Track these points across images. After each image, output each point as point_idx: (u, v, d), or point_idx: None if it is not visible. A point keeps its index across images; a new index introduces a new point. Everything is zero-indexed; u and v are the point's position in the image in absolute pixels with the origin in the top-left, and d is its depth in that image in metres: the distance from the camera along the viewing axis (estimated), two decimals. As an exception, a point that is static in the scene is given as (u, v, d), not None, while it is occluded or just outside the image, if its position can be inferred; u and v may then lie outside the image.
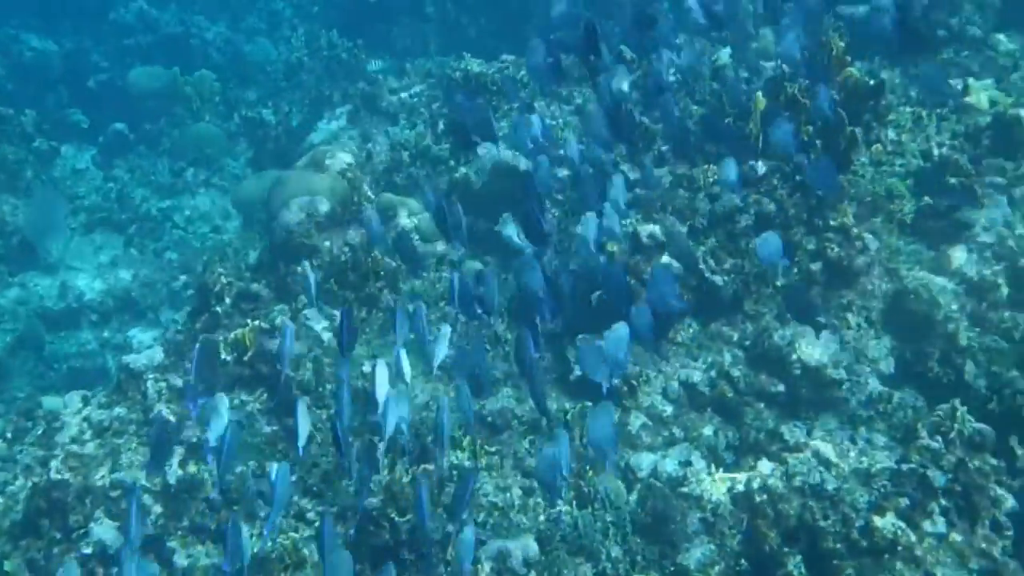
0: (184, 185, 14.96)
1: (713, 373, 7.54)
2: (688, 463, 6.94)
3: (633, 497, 6.93)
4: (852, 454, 6.73)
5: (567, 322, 8.31)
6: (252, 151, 15.54)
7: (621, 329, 6.33)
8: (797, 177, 7.72)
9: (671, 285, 6.61)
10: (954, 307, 7.54)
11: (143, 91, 17.43)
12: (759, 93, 8.04)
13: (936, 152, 8.33)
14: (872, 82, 8.21)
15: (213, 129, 16.11)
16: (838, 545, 5.87)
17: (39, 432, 7.62)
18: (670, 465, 6.97)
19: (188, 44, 20.53)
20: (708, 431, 7.35)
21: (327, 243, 8.01)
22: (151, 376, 7.81)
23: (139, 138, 16.72)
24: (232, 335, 7.62)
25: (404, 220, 8.77)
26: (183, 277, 12.64)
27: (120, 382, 7.85)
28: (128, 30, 21.25)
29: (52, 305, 12.35)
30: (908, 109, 9.04)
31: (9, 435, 7.90)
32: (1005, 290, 7.64)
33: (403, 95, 12.81)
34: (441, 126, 10.33)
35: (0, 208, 13.09)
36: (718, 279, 7.57)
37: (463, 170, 9.54)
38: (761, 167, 7.84)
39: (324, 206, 8.10)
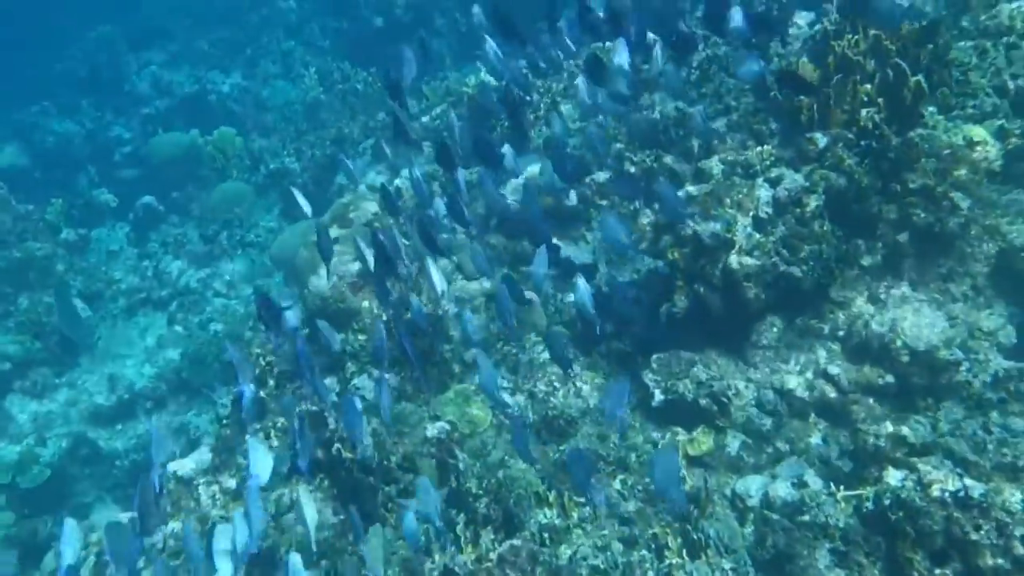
0: (220, 250, 14.52)
1: (809, 374, 6.76)
2: (803, 483, 6.15)
3: (747, 530, 6.22)
4: (990, 447, 5.88)
5: (639, 339, 7.64)
6: (283, 203, 15.07)
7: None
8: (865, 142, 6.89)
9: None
10: (1074, 254, 6.65)
11: (165, 159, 17.14)
12: (803, 59, 7.24)
13: (1012, 84, 7.42)
14: (923, 23, 7.37)
15: (241, 186, 15.66)
16: (999, 560, 5.08)
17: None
18: (783, 488, 6.19)
19: (206, 101, 20.25)
20: (815, 439, 6.59)
21: (365, 303, 7.38)
22: (202, 481, 7.27)
23: (169, 208, 16.42)
24: (281, 421, 7.04)
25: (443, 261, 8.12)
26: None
27: (169, 493, 7.31)
28: (145, 98, 21.12)
29: (104, 401, 11.96)
30: (968, 43, 8.09)
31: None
32: None
33: (424, 119, 12.13)
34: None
35: (35, 309, 12.73)
36: (795, 270, 6.77)
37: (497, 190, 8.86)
38: (822, 139, 7.02)
39: (354, 265, 7.48)
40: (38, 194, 16.45)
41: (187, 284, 13.83)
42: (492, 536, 6.48)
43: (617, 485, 6.75)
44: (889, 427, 6.11)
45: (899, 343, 6.41)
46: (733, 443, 6.75)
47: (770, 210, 6.90)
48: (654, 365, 7.11)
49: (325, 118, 16.17)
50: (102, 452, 11.50)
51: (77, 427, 11.50)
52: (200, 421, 11.06)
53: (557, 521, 6.52)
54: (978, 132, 7.05)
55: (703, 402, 6.80)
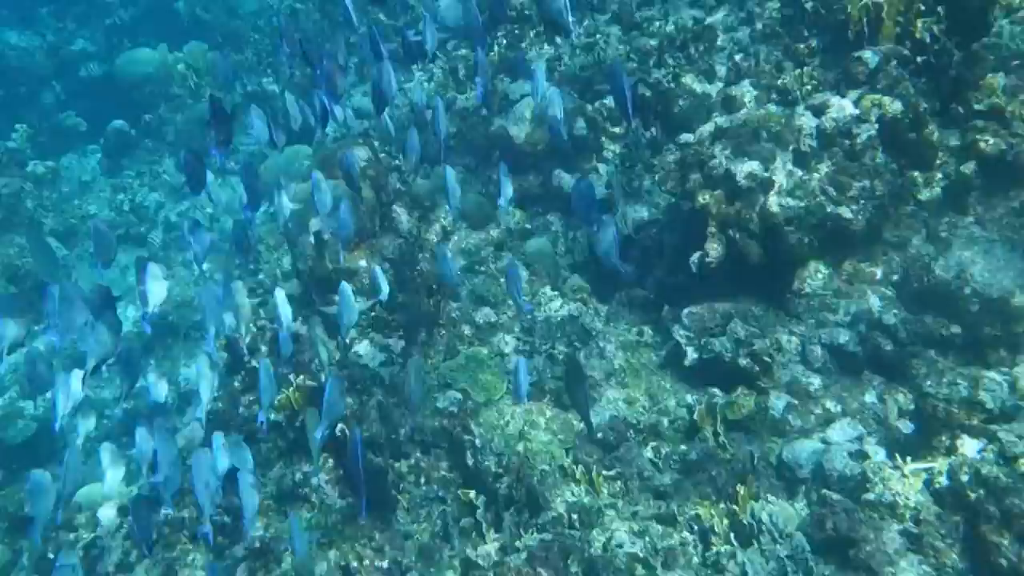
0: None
1: (862, 326, 6.06)
2: (862, 453, 5.51)
3: (799, 505, 5.61)
4: (1086, 410, 5.21)
5: (663, 285, 6.93)
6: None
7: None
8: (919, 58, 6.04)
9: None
10: None
11: (134, 79, 15.99)
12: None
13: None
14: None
15: (213, 106, 14.59)
16: (1103, 543, 4.49)
17: (79, 556, 6.49)
18: (839, 459, 5.54)
19: (172, 8, 18.91)
20: (870, 398, 5.93)
21: (362, 262, 6.61)
22: (194, 459, 6.62)
23: (141, 132, 15.34)
24: (277, 399, 6.35)
25: (445, 208, 7.33)
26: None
27: (162, 472, 6.67)
28: (107, 6, 19.77)
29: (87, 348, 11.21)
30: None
31: (51, 555, 6.83)
32: None
33: (411, 33, 11.00)
34: (462, 70, 8.74)
35: (6, 251, 11.88)
36: (844, 210, 6.00)
37: (499, 121, 8.01)
38: (872, 57, 6.16)
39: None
40: (2, 114, 15.47)
41: (167, 218, 12.95)
42: (516, 518, 5.90)
43: (649, 454, 6.13)
44: (961, 389, 5.43)
45: (967, 289, 5.69)
46: (777, 404, 6.09)
47: (814, 143, 6.08)
48: (685, 320, 6.40)
49: (303, 29, 15.04)
50: (90, 401, 10.82)
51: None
52: (190, 373, 10.33)
53: (586, 499, 5.92)
54: (1051, 38, 6.18)
55: (743, 362, 6.12)
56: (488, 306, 6.88)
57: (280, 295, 5.84)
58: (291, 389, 6.35)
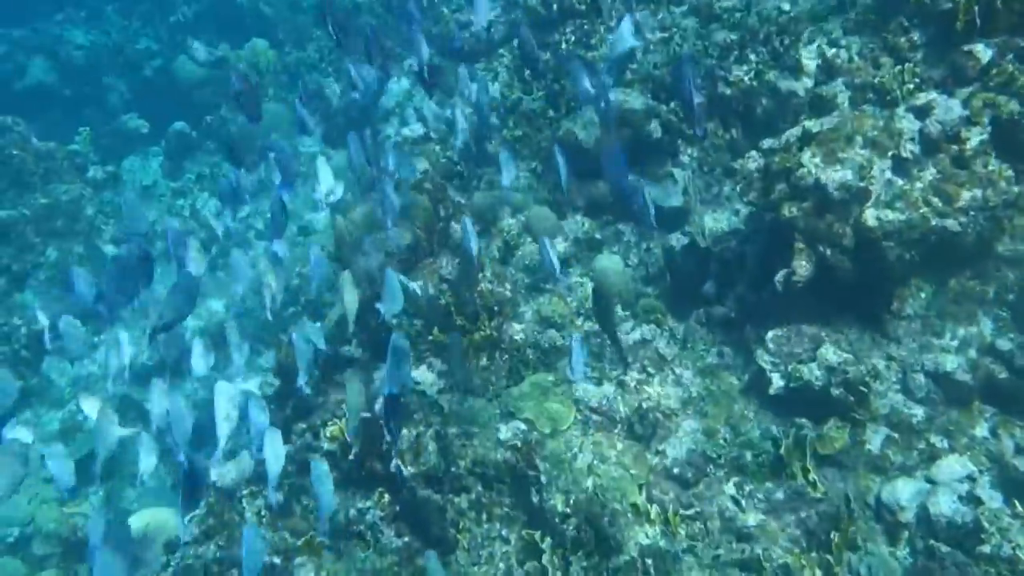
0: (259, 184, 13.32)
1: (972, 351, 5.43)
2: (974, 496, 4.90)
3: (902, 554, 5.02)
4: None
5: (745, 302, 6.35)
6: (326, 123, 13.76)
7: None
8: None
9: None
10: None
11: (194, 81, 15.84)
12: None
13: None
14: None
15: (277, 108, 14.32)
16: None
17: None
18: (947, 502, 4.95)
19: (235, 4, 18.71)
20: (982, 432, 5.31)
21: (418, 282, 6.16)
22: (245, 492, 6.27)
23: (202, 134, 15.15)
24: (329, 430, 5.95)
25: (508, 221, 6.83)
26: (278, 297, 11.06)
27: (210, 506, 6.33)
28: (172, 4, 19.70)
29: (146, 360, 11.01)
30: None
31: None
32: None
33: (475, 28, 10.52)
34: (527, 71, 8.23)
35: (65, 260, 11.75)
36: (951, 223, 5.36)
37: (566, 124, 7.49)
38: (985, 51, 5.50)
39: (404, 238, 6.24)
40: (68, 114, 15.44)
41: (226, 225, 12.68)
42: (585, 563, 5.41)
43: (731, 491, 5.58)
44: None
45: (1096, 314, 5.04)
46: (874, 438, 5.49)
47: (916, 149, 5.45)
48: (770, 344, 5.82)
49: (364, 25, 14.68)
50: (149, 415, 10.62)
51: (120, 388, 10.59)
52: (251, 386, 10.03)
53: (662, 542, 5.40)
54: None
55: (835, 392, 5.52)
56: (554, 328, 6.37)
57: (316, 251, 5.81)
58: (343, 420, 5.93)
